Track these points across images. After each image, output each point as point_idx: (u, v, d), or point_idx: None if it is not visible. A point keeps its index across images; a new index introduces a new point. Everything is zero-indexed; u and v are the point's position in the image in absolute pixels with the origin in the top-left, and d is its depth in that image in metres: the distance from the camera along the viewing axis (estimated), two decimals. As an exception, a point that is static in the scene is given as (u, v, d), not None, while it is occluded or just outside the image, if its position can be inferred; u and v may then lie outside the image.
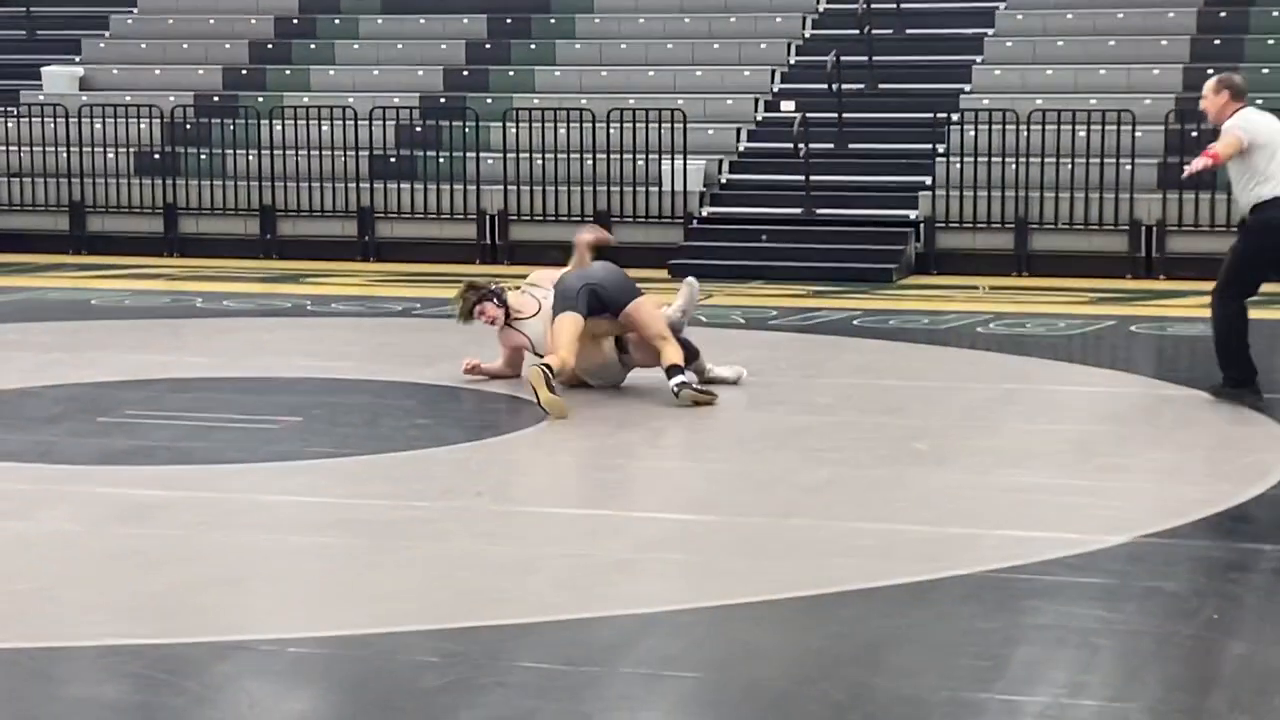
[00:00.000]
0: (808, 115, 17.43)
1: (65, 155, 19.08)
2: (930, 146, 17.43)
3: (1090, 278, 16.19)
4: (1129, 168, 16.63)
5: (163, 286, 16.18)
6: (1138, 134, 16.70)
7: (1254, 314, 10.08)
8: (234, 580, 6.66)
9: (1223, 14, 18.79)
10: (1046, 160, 16.76)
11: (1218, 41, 18.37)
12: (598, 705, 5.33)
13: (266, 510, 7.72)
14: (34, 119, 19.32)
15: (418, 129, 18.60)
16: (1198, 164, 10.18)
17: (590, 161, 17.75)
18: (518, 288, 10.78)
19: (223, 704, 5.38)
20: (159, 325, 13.69)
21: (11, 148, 19.30)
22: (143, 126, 19.20)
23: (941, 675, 5.56)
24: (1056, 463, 8.61)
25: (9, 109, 19.65)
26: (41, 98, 19.84)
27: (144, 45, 21.11)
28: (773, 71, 19.09)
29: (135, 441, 9.11)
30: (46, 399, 10.35)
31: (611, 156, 17.69)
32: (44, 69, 20.55)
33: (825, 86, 17.96)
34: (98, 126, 19.18)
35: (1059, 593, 6.42)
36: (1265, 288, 10.20)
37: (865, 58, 18.50)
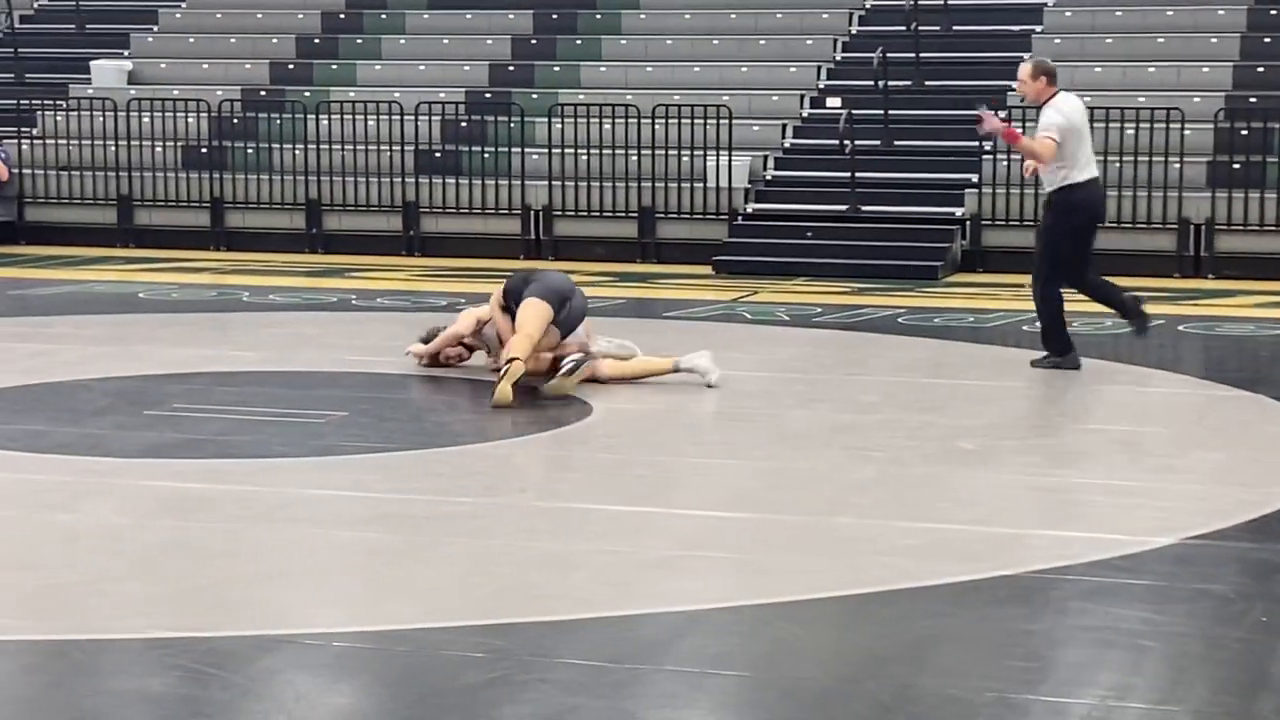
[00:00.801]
0: (854, 112, 17.38)
1: (113, 149, 19.16)
2: (977, 144, 17.35)
3: (1138, 276, 16.06)
4: (1178, 166, 16.54)
5: (209, 280, 16.25)
6: (1187, 132, 16.61)
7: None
8: (279, 574, 6.68)
9: (1273, 11, 18.67)
10: (1095, 158, 16.63)
11: (1268, 39, 18.25)
12: (641, 703, 5.32)
13: (312, 504, 7.74)
14: (83, 113, 19.42)
15: (463, 124, 18.63)
16: (993, 124, 11.26)
17: (635, 157, 17.74)
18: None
19: (268, 697, 5.39)
20: (205, 319, 13.75)
21: (60, 141, 19.40)
22: (190, 121, 19.28)
23: (986, 676, 5.54)
24: (1103, 463, 8.57)
25: (58, 103, 19.76)
26: (90, 92, 19.93)
27: (192, 40, 21.20)
28: (819, 68, 19.05)
29: (181, 435, 9.15)
30: (94, 391, 10.41)
31: (656, 152, 17.68)
32: (93, 63, 20.65)
33: (871, 83, 17.92)
34: (146, 121, 19.26)
35: (1105, 594, 6.39)
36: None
37: (912, 54, 18.44)
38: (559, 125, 18.06)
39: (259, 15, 21.36)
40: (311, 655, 5.76)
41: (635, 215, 17.65)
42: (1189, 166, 16.57)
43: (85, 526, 7.33)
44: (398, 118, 18.46)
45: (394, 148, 18.42)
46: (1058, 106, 10.98)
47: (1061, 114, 10.92)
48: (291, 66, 20.38)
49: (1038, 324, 11.26)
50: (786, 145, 18.18)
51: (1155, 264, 16.34)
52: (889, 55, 17.89)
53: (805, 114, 18.50)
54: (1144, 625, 6.03)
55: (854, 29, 19.69)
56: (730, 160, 17.42)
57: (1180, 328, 13.24)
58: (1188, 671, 5.66)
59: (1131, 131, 16.68)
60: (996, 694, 5.35)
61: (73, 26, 22.13)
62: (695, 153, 17.62)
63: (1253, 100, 17.26)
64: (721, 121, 17.52)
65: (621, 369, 10.43)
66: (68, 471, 8.30)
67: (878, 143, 17.69)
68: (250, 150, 18.90)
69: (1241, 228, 16.29)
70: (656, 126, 17.75)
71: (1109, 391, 10.67)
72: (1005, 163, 16.83)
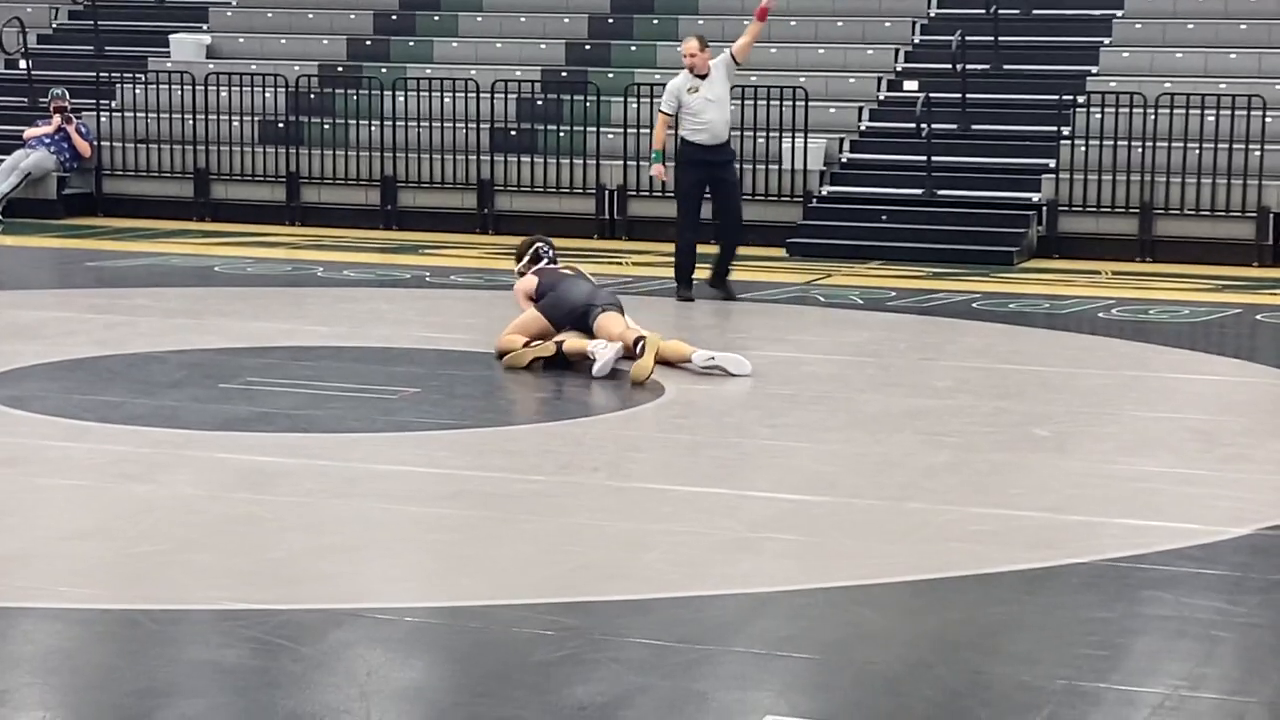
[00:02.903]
0: (931, 95, 17.30)
1: (191, 123, 19.29)
2: (1055, 129, 17.25)
3: (1215, 265, 15.98)
4: (1258, 153, 16.38)
5: (284, 255, 16.33)
6: (1268, 119, 16.45)
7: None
8: (352, 548, 6.71)
9: (1357, -2, 18.46)
10: (1174, 145, 16.54)
11: (1352, 27, 18.06)
12: (711, 684, 5.32)
13: (384, 480, 7.77)
14: (161, 86, 19.55)
15: (539, 103, 18.65)
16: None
17: (711, 138, 17.67)
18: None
19: (340, 670, 5.42)
20: (280, 293, 13.83)
21: (139, 114, 19.53)
22: (267, 95, 19.37)
23: (1058, 663, 5.51)
24: (1178, 452, 8.51)
25: (137, 76, 19.89)
26: (169, 65, 20.06)
27: (270, 15, 21.30)
28: (896, 50, 18.96)
29: (256, 408, 9.21)
30: (170, 364, 10.48)
31: (732, 133, 17.60)
32: (172, 36, 20.78)
33: (949, 66, 17.82)
34: (223, 95, 19.37)
35: (1179, 584, 6.34)
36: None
37: (990, 38, 18.33)
38: (634, 105, 18.05)
39: (337, -9, 21.44)
40: (383, 630, 5.79)
41: (709, 196, 17.60)
42: (1269, 154, 16.42)
43: (160, 498, 7.38)
44: (474, 95, 18.50)
45: (469, 125, 18.46)
46: (718, 63, 13.55)
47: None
48: (369, 43, 20.45)
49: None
50: (863, 128, 18.12)
51: (1234, 252, 16.21)
52: (967, 38, 17.79)
53: (882, 96, 18.42)
54: (1217, 615, 5.99)
55: (933, 11, 19.58)
56: (806, 142, 17.37)
57: (1258, 317, 13.12)
58: (1261, 663, 5.62)
59: (1212, 118, 16.53)
60: (1067, 682, 5.32)
61: (152, 0, 22.27)
62: (770, 134, 17.57)
63: (1335, 88, 17.07)
64: (797, 103, 17.47)
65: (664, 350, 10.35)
66: (143, 443, 8.37)
67: (954, 126, 17.60)
68: (327, 126, 18.98)
69: (1322, 217, 16.14)
70: (732, 107, 17.67)
71: (1184, 380, 10.60)
72: (1083, 148, 16.72)
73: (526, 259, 11.09)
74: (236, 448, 8.30)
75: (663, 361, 10.21)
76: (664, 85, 18.06)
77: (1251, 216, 16.29)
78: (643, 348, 10.04)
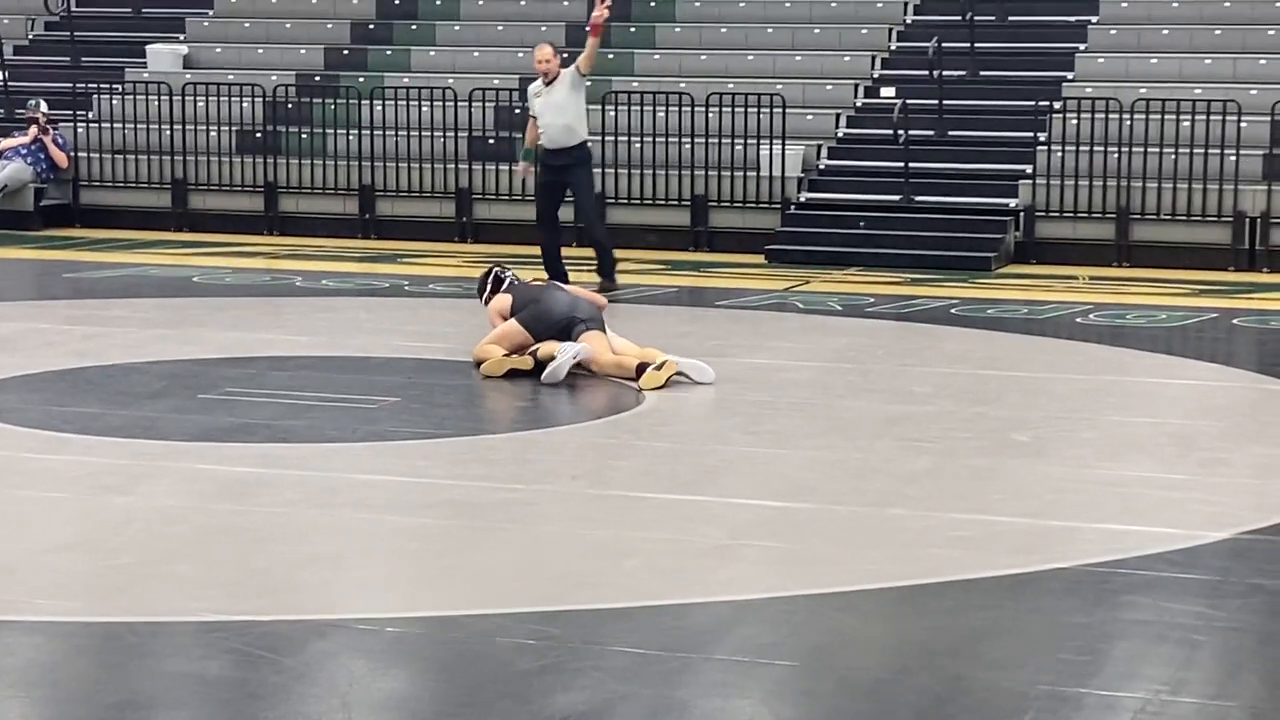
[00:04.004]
0: (908, 101, 17.33)
1: (168, 133, 19.24)
2: (1031, 134, 17.29)
3: (1192, 269, 16.01)
4: (1233, 158, 16.43)
5: (262, 265, 16.31)
6: (1243, 124, 16.50)
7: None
8: (333, 559, 6.71)
9: (1332, 3, 18.53)
10: (1150, 150, 16.58)
11: (1326, 32, 18.12)
12: (693, 691, 5.33)
13: (365, 489, 7.77)
14: (138, 97, 19.50)
15: (517, 110, 18.62)
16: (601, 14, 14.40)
17: (688, 145, 17.72)
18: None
19: (321, 682, 5.42)
20: (259, 303, 13.81)
21: (116, 125, 19.48)
22: (245, 105, 19.34)
23: (1039, 669, 5.53)
24: (1157, 456, 8.54)
25: (114, 86, 19.86)
26: (146, 75, 20.02)
27: (247, 24, 21.27)
28: (873, 57, 18.99)
29: (235, 419, 9.20)
30: (149, 375, 10.47)
31: (710, 140, 17.65)
32: (148, 47, 20.73)
33: (926, 73, 17.85)
34: (200, 105, 19.34)
35: (1159, 588, 6.36)
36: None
37: (967, 44, 18.37)
38: (612, 112, 18.05)
39: (314, 0, 21.41)
40: (364, 640, 5.79)
41: (688, 203, 17.64)
42: (1245, 159, 16.46)
43: (139, 509, 7.37)
44: (451, 104, 18.49)
45: (447, 134, 18.45)
46: (569, 71, 14.29)
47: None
48: (346, 52, 20.43)
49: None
50: (840, 134, 18.14)
51: (1210, 257, 16.25)
52: (944, 45, 17.82)
53: (859, 103, 18.45)
54: (1197, 620, 6.01)
55: (909, 18, 19.62)
56: (783, 149, 17.38)
57: (1234, 321, 13.16)
58: (1241, 667, 5.64)
59: (1187, 124, 16.58)
60: (1049, 687, 5.34)
61: (129, 10, 22.23)
62: (748, 141, 17.59)
63: (1311, 93, 17.13)
64: (775, 110, 17.48)
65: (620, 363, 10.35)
66: (122, 454, 8.36)
67: (932, 133, 17.63)
68: (304, 135, 18.96)
69: (1298, 221, 16.18)
70: (710, 114, 17.73)
71: (1162, 385, 10.63)
72: (1060, 154, 16.76)
73: (489, 289, 11.10)
74: (216, 458, 8.29)
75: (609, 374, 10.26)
76: (642, 93, 18.17)
77: (1228, 221, 16.33)
78: (661, 365, 10.03)
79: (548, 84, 14.30)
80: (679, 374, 10.13)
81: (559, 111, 14.22)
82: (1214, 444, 8.81)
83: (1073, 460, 8.43)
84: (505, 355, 10.42)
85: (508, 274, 11.20)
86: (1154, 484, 7.95)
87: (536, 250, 14.60)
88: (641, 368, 10.06)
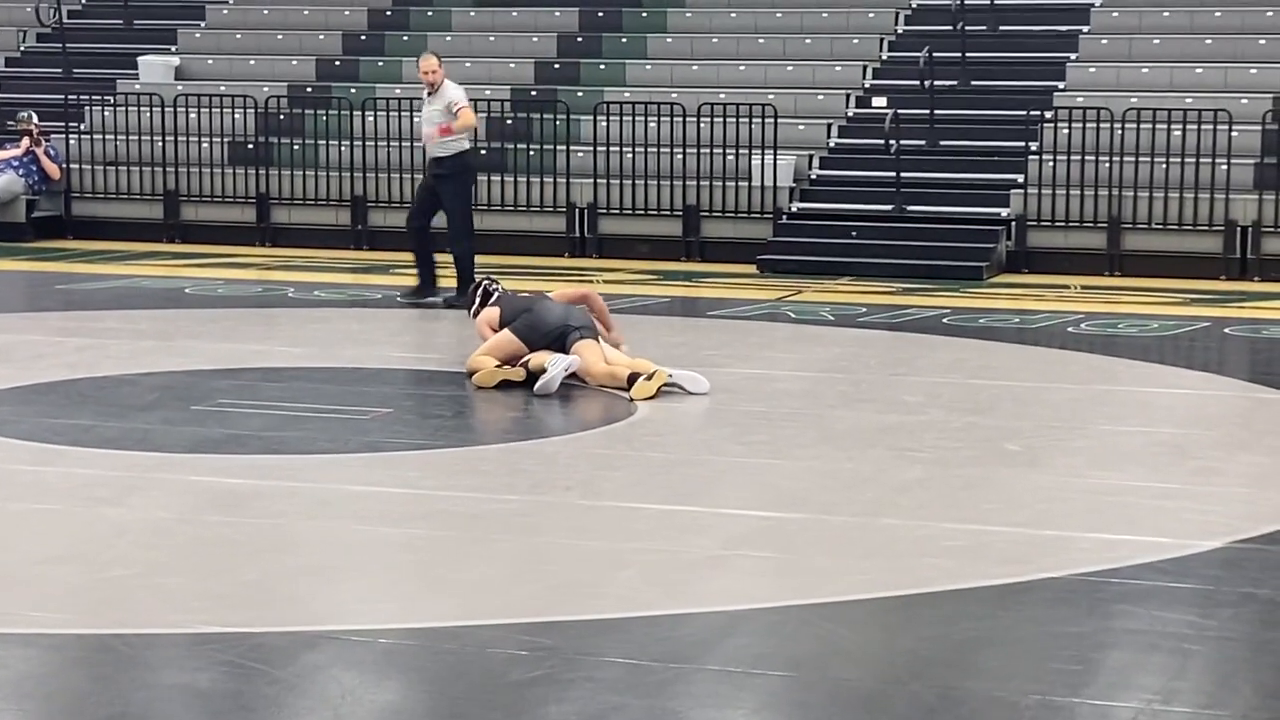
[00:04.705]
0: (899, 111, 17.35)
1: (160, 145, 19.24)
2: (1023, 144, 17.31)
3: (1184, 278, 16.03)
4: (1224, 167, 16.45)
5: (255, 276, 16.31)
6: (1234, 134, 16.52)
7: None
8: (325, 570, 6.71)
9: (1323, 13, 18.56)
10: (1141, 159, 16.60)
11: (1316, 41, 18.15)
12: (686, 702, 5.33)
13: (357, 501, 7.77)
14: (130, 108, 19.50)
15: (508, 121, 18.65)
16: (441, 133, 13.97)
17: (680, 156, 17.73)
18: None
19: (313, 693, 5.42)
20: (251, 314, 13.81)
21: (108, 136, 19.48)
22: (237, 117, 19.35)
23: (1032, 678, 5.53)
24: (1149, 465, 8.55)
25: (105, 98, 19.85)
26: (138, 87, 20.02)
27: (239, 36, 21.28)
28: (864, 67, 19.01)
29: (228, 430, 9.20)
30: (141, 386, 10.46)
31: (702, 151, 17.66)
32: (140, 58, 20.73)
33: (917, 82, 17.87)
34: (192, 116, 19.34)
35: (1151, 597, 6.37)
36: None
37: (958, 54, 18.39)
38: (604, 123, 18.07)
39: (306, 12, 21.42)
40: (357, 652, 5.78)
41: (680, 214, 17.65)
42: (1236, 168, 16.49)
43: (132, 521, 7.37)
44: (443, 115, 18.47)
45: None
46: (455, 86, 14.31)
47: (461, 89, 14.31)
48: (338, 63, 20.44)
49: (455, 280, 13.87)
50: (831, 144, 18.15)
51: (1201, 266, 16.27)
52: (935, 55, 17.84)
53: (850, 113, 18.47)
54: (1189, 629, 6.02)
55: (900, 28, 19.64)
56: (775, 159, 17.40)
57: (1226, 330, 13.17)
58: (1233, 676, 5.65)
59: (1178, 133, 16.60)
60: (1041, 697, 5.34)
61: (120, 22, 22.22)
62: (740, 151, 17.60)
63: (1301, 102, 17.16)
64: (766, 120, 17.50)
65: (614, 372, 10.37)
66: (114, 466, 8.35)
67: (923, 142, 17.65)
68: (296, 146, 18.96)
69: (1289, 230, 16.21)
70: (701, 125, 17.74)
71: (1154, 394, 10.64)
72: (1051, 163, 16.79)
73: (476, 302, 11.10)
74: (208, 470, 8.29)
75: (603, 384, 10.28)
76: (634, 104, 18.18)
77: (1219, 230, 16.35)
78: (651, 376, 10.04)
79: (430, 94, 14.19)
80: (672, 384, 10.13)
81: (430, 123, 14.15)
82: (1206, 453, 8.82)
83: (1065, 470, 8.44)
84: (498, 366, 10.42)
85: (496, 287, 11.20)
86: (1146, 493, 7.95)
87: (527, 260, 14.62)
88: (633, 378, 10.06)
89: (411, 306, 14.06)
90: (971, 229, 16.79)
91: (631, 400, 9.92)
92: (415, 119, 18.54)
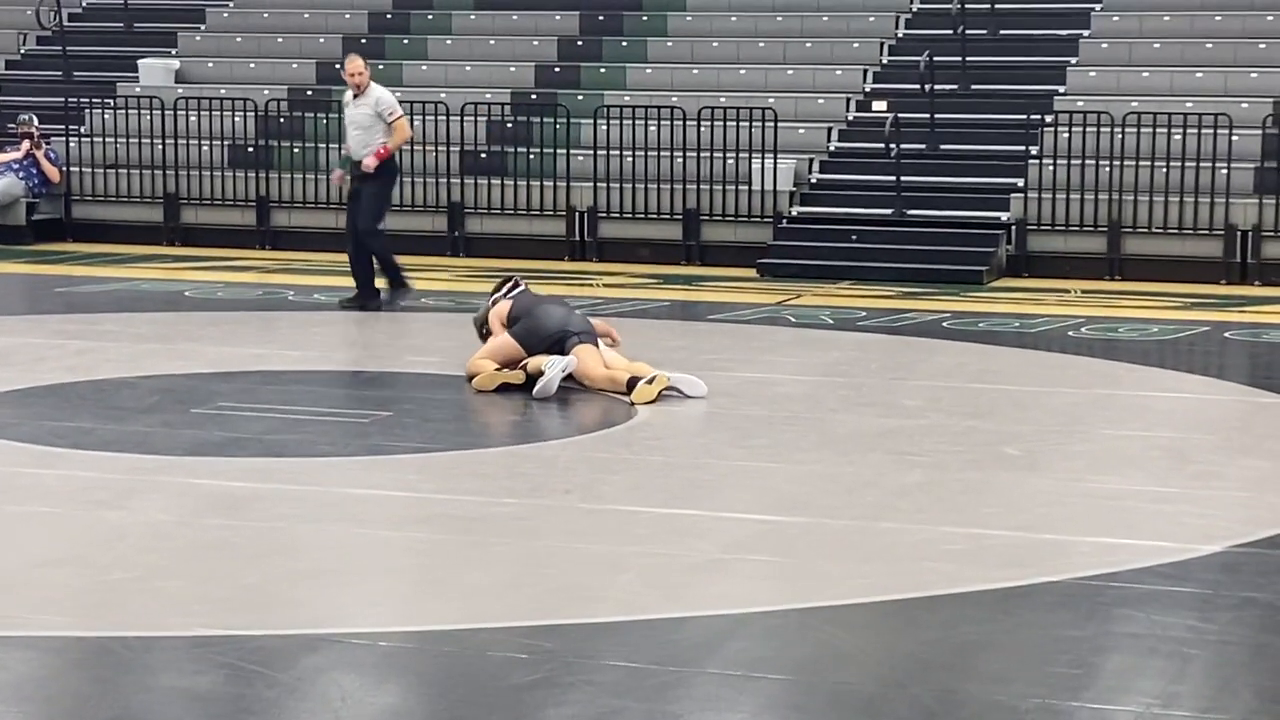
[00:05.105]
0: (899, 115, 17.36)
1: (160, 148, 19.25)
2: (1023, 148, 17.32)
3: (1184, 282, 16.04)
4: (1225, 172, 16.47)
5: (255, 279, 16.30)
6: (1234, 138, 16.54)
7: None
8: (325, 573, 6.71)
9: (1322, 18, 18.57)
10: (1141, 163, 16.61)
11: (1317, 45, 18.16)
12: (686, 705, 5.33)
13: (357, 504, 7.77)
14: (130, 111, 19.51)
15: (509, 125, 18.66)
16: (369, 165, 13.97)
17: (680, 159, 17.74)
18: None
19: (314, 696, 5.42)
20: (251, 318, 13.81)
21: (108, 139, 19.49)
22: (237, 119, 19.36)
23: (1032, 682, 5.53)
24: (1149, 470, 8.55)
25: (106, 101, 19.86)
26: (138, 90, 20.03)
27: (239, 39, 21.29)
28: (865, 71, 19.02)
29: (228, 433, 9.19)
30: (141, 389, 10.46)
31: (702, 155, 17.68)
32: (140, 61, 20.75)
33: (918, 86, 17.88)
34: (192, 119, 19.35)
35: (1151, 601, 6.37)
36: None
37: (959, 58, 18.40)
38: (604, 127, 18.07)
39: (306, 15, 21.43)
40: (357, 655, 5.78)
41: (680, 217, 17.66)
42: (1236, 172, 16.50)
43: (132, 524, 7.37)
44: (443, 118, 18.50)
45: (439, 148, 18.46)
46: (384, 90, 14.32)
47: (392, 95, 14.33)
48: (337, 66, 20.39)
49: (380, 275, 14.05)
50: (832, 148, 18.16)
51: (1201, 270, 16.27)
52: (935, 59, 17.85)
53: (851, 117, 18.47)
54: (1189, 633, 6.02)
55: (900, 32, 19.66)
56: (775, 163, 17.41)
57: (1226, 334, 13.18)
58: (1233, 680, 5.64)
59: (1179, 137, 16.62)
60: (1041, 700, 5.34)
61: (121, 25, 22.24)
62: (740, 155, 17.61)
63: (1301, 106, 17.17)
64: (767, 124, 17.51)
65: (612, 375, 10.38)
66: (114, 469, 8.35)
67: (923, 146, 17.66)
68: (296, 149, 18.96)
69: (1289, 234, 16.22)
70: (702, 129, 17.75)
71: (1154, 398, 10.64)
72: (1051, 167, 16.79)
73: (502, 291, 11.11)
74: (208, 473, 8.29)
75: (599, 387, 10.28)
76: (634, 107, 18.19)
77: (1219, 234, 16.36)
78: (652, 380, 10.05)
79: (356, 97, 14.15)
80: (671, 388, 10.13)
81: (357, 127, 14.10)
82: (1206, 457, 8.82)
83: (1065, 474, 8.44)
84: (497, 369, 10.42)
85: (522, 284, 11.21)
86: (1146, 497, 7.95)
87: (527, 264, 14.61)
88: (633, 382, 10.07)
89: (353, 309, 13.93)
90: (972, 233, 16.80)
91: (632, 404, 9.92)
92: (415, 123, 18.59)
